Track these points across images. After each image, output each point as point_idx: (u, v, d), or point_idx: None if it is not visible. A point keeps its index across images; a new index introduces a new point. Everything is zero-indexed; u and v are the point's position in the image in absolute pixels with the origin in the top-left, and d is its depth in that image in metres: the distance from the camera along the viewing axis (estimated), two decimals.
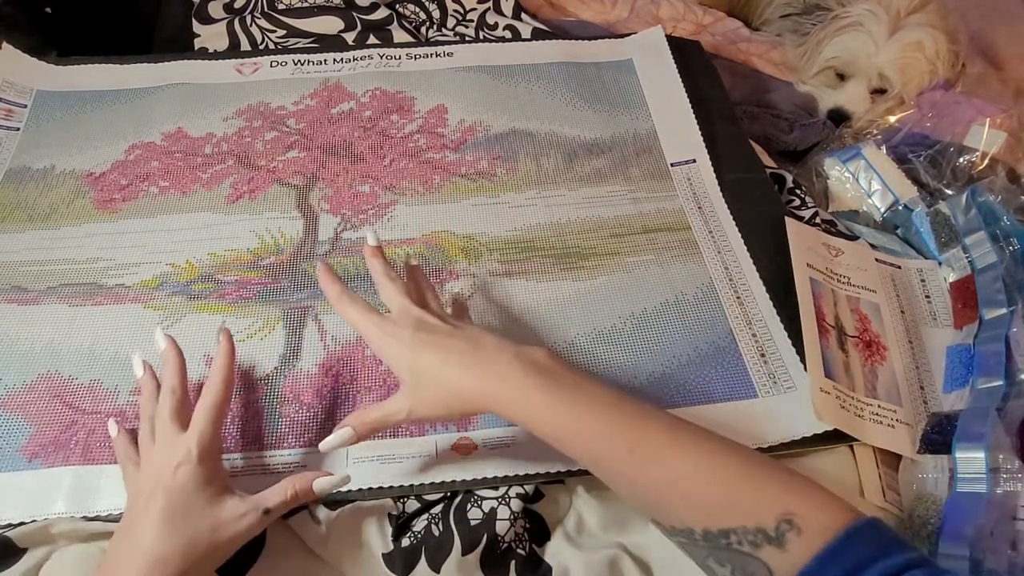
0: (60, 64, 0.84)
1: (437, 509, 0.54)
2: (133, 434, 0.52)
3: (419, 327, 0.47)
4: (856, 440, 0.58)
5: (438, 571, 0.51)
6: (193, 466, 0.45)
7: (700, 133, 0.79)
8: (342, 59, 0.86)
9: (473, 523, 0.53)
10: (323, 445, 0.48)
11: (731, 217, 0.73)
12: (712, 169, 0.77)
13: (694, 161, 0.78)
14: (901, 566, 0.34)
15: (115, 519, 0.52)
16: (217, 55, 0.87)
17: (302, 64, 0.86)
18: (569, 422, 0.42)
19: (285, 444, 0.56)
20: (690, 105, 0.82)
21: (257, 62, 0.85)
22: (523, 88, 0.84)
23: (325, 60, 0.86)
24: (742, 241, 0.71)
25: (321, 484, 0.49)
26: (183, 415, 0.49)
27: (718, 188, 0.75)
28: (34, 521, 0.51)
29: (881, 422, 0.59)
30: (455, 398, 0.45)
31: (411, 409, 0.46)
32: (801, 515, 0.37)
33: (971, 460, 0.53)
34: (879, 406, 0.60)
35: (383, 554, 0.52)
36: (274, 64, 0.85)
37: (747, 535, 0.37)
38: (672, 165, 0.78)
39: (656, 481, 0.40)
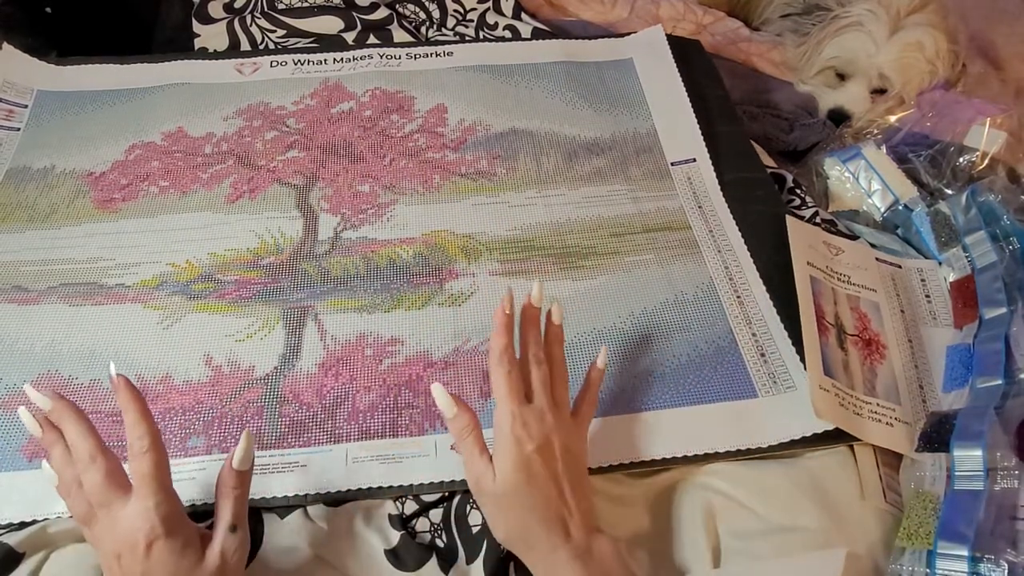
0: (60, 64, 0.84)
1: (437, 514, 0.54)
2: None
3: (542, 448, 0.46)
4: (855, 439, 0.58)
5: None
6: (164, 540, 0.41)
7: (700, 132, 0.79)
8: (342, 59, 0.86)
9: (474, 530, 0.53)
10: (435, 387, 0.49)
11: (731, 216, 0.73)
12: (712, 168, 0.77)
13: (694, 160, 0.78)
14: None
15: None
16: (217, 55, 0.87)
17: (302, 64, 0.86)
18: None
19: (285, 444, 0.56)
20: (690, 104, 0.82)
21: (257, 62, 0.86)
22: (523, 87, 0.84)
23: (325, 60, 0.86)
24: (742, 240, 0.71)
25: (239, 456, 0.45)
26: (118, 478, 0.43)
27: (718, 187, 0.75)
28: (35, 521, 0.51)
29: (880, 420, 0.59)
30: (519, 540, 0.47)
31: (485, 504, 0.48)
32: None
33: (968, 459, 0.53)
34: (878, 404, 0.60)
35: (385, 550, 0.52)
36: (274, 64, 0.86)
37: None
38: (672, 164, 0.78)
39: None
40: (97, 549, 0.44)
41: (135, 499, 0.42)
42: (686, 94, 0.83)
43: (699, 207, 0.74)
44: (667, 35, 0.89)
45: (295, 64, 0.86)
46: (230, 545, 0.44)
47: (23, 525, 0.51)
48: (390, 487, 0.54)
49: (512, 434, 0.46)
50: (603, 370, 0.54)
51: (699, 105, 0.82)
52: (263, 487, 0.54)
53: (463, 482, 0.54)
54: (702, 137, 0.79)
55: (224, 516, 0.45)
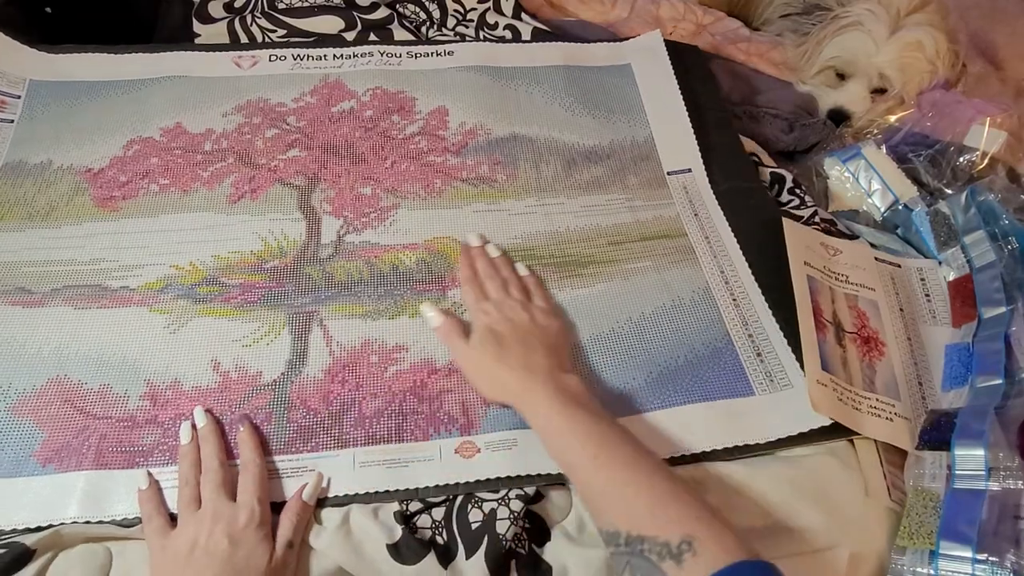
0: (53, 52, 0.81)
1: (440, 512, 0.55)
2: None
3: (500, 321, 0.60)
4: (854, 434, 0.59)
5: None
6: (257, 525, 0.51)
7: (696, 142, 0.80)
8: (342, 55, 0.85)
9: (474, 527, 0.54)
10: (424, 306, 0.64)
11: (727, 222, 0.74)
12: (707, 179, 0.77)
13: (690, 171, 0.79)
14: None
15: (129, 523, 0.53)
16: (214, 47, 0.85)
17: (301, 59, 0.84)
18: (561, 430, 0.52)
19: (293, 450, 0.57)
20: (687, 113, 0.82)
21: (255, 56, 0.84)
22: (523, 92, 0.84)
23: (325, 56, 0.85)
24: (737, 245, 0.72)
25: (308, 492, 0.54)
26: (229, 486, 0.54)
27: (713, 197, 0.76)
28: (51, 526, 0.52)
29: (880, 415, 0.60)
30: (499, 387, 0.57)
31: (468, 370, 0.59)
32: (700, 540, 0.43)
33: (970, 457, 0.54)
34: (877, 400, 0.61)
35: (387, 544, 0.53)
36: (273, 58, 0.84)
37: (656, 545, 0.44)
38: (669, 174, 0.78)
39: (604, 483, 0.49)
40: (158, 541, 0.51)
41: (242, 496, 0.53)
42: (683, 103, 0.83)
43: (695, 215, 0.75)
44: (665, 40, 0.89)
45: (294, 59, 0.84)
46: (286, 556, 0.51)
47: (39, 529, 0.52)
48: (396, 491, 0.55)
49: (475, 316, 0.62)
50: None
51: (695, 113, 0.82)
52: (274, 491, 0.55)
53: (467, 484, 0.56)
54: (698, 147, 0.79)
55: (284, 533, 0.52)
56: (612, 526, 0.47)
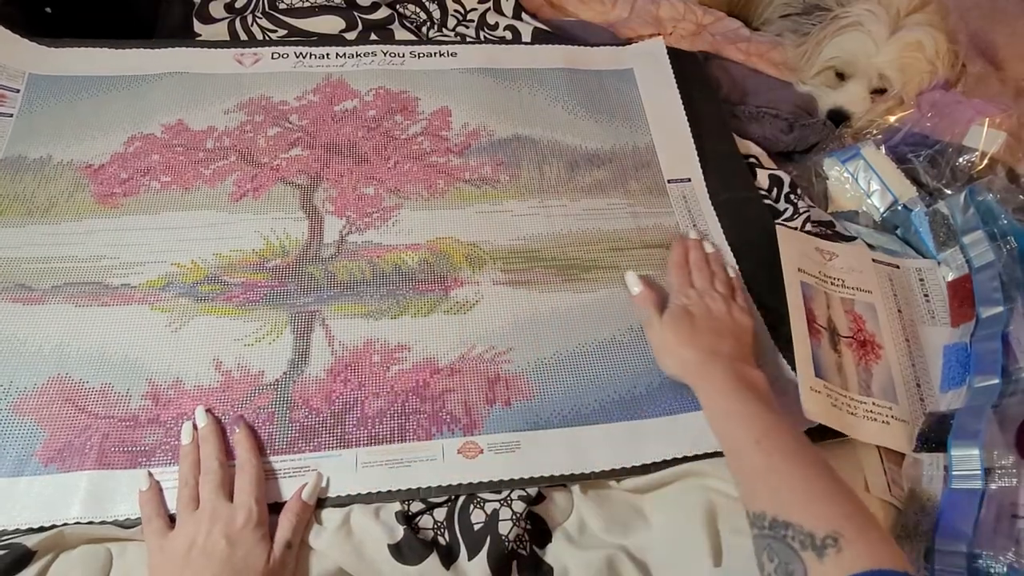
0: (52, 46, 0.81)
1: (441, 513, 0.55)
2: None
3: (696, 306, 0.63)
4: (845, 436, 0.59)
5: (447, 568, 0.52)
6: (255, 525, 0.51)
7: (696, 152, 0.80)
8: (345, 53, 0.85)
9: (476, 527, 0.54)
10: (628, 274, 0.68)
11: (723, 234, 0.74)
12: (706, 190, 0.78)
13: (689, 180, 0.79)
14: None
15: (131, 524, 0.53)
16: (216, 43, 0.85)
17: (304, 57, 0.84)
18: (729, 413, 0.54)
19: (295, 449, 0.57)
20: (687, 121, 0.82)
21: (258, 53, 0.84)
22: (526, 93, 0.84)
23: (328, 54, 0.84)
24: (733, 258, 0.72)
25: (307, 491, 0.55)
26: (228, 487, 0.54)
27: (711, 208, 0.77)
28: (53, 527, 0.52)
29: (875, 419, 0.61)
30: (680, 366, 0.60)
31: (655, 343, 0.63)
32: (847, 539, 0.43)
33: (966, 457, 0.54)
34: (873, 403, 0.62)
35: (388, 544, 0.53)
36: (275, 56, 0.83)
37: (800, 534, 0.44)
38: (669, 182, 0.79)
39: (761, 467, 0.50)
40: (156, 541, 0.51)
41: (240, 496, 0.53)
42: (683, 111, 0.83)
43: (694, 225, 0.75)
44: (667, 48, 0.89)
45: (296, 57, 0.84)
46: (285, 556, 0.52)
47: (42, 529, 0.52)
48: (399, 490, 0.56)
49: (676, 298, 0.65)
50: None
51: (695, 121, 0.82)
52: (275, 491, 0.55)
53: (469, 485, 0.56)
54: (697, 157, 0.80)
55: (283, 534, 0.52)
56: (760, 508, 0.48)
